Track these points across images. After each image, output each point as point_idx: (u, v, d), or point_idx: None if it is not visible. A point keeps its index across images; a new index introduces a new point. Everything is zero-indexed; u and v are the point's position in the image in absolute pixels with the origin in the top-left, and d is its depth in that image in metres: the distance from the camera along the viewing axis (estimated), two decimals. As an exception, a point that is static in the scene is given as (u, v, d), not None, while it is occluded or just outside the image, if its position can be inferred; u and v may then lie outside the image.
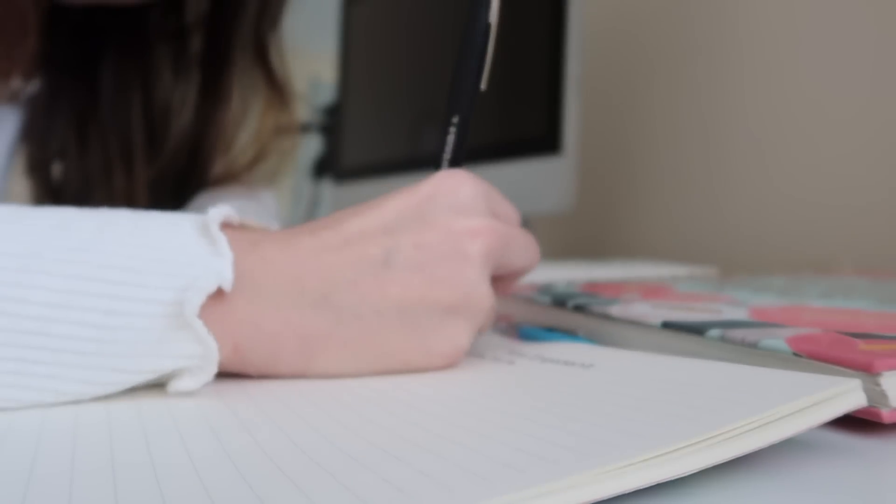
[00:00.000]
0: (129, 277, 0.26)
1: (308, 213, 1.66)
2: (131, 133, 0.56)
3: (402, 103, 0.96)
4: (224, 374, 0.28)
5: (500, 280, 0.33)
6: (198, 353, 0.26)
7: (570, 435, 0.19)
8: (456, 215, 0.29)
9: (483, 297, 0.29)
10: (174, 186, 0.57)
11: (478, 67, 0.33)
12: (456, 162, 0.33)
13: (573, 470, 0.16)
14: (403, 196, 0.30)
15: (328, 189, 1.28)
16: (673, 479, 0.17)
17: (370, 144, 1.02)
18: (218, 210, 0.28)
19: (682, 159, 0.84)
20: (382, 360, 0.29)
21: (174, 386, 0.26)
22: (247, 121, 0.59)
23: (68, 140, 0.56)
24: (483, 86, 0.33)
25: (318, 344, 0.28)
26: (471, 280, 0.29)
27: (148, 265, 0.26)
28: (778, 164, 0.74)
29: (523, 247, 0.32)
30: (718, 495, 0.18)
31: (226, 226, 0.29)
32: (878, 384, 0.23)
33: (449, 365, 0.30)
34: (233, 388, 0.27)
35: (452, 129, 0.33)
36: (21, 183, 0.57)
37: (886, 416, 0.22)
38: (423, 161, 0.89)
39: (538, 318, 0.41)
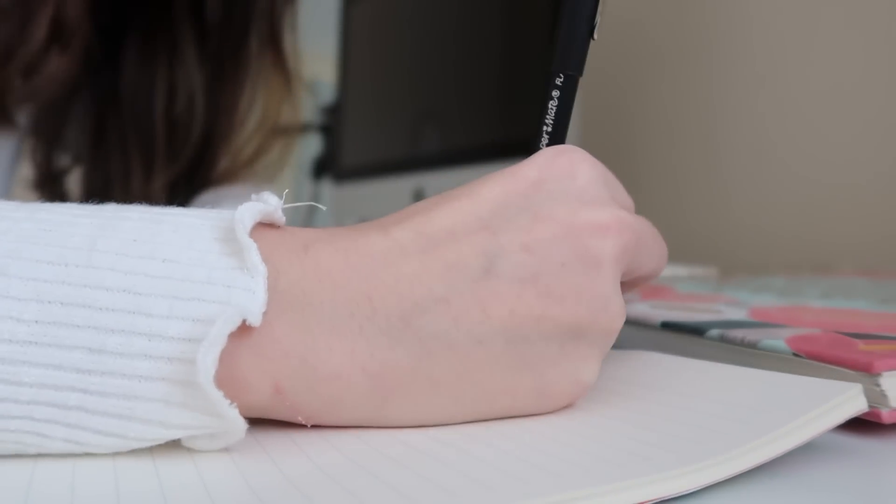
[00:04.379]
0: (124, 302, 0.19)
1: (307, 214, 1.66)
2: (154, 133, 0.53)
3: (402, 103, 0.96)
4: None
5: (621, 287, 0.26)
6: (216, 426, 0.20)
7: (573, 450, 0.19)
8: (576, 205, 0.22)
9: (616, 315, 0.22)
10: (184, 181, 0.56)
11: (591, 11, 0.27)
12: (557, 135, 0.27)
13: (576, 485, 0.16)
14: (501, 181, 0.23)
15: (328, 189, 1.28)
16: (683, 494, 0.17)
17: (370, 144, 1.02)
18: (251, 204, 0.21)
19: (682, 159, 0.84)
20: (481, 405, 0.22)
21: (188, 443, 0.20)
22: (253, 109, 0.58)
23: (82, 143, 0.55)
24: (595, 35, 0.27)
25: (395, 384, 0.21)
26: (602, 293, 0.22)
27: (151, 285, 0.19)
28: (778, 164, 0.74)
29: (654, 245, 0.25)
30: (721, 495, 0.18)
31: (265, 225, 0.22)
32: (877, 384, 0.23)
33: (566, 406, 0.23)
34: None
35: (556, 93, 0.26)
36: (24, 195, 0.56)
37: (886, 416, 0.22)
38: (424, 161, 0.89)
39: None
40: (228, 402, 0.19)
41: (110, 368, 0.19)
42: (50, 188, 0.54)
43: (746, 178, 0.77)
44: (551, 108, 0.26)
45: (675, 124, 0.85)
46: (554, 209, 0.22)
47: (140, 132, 0.54)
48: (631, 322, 0.34)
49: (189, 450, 0.20)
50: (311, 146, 1.67)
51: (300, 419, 0.21)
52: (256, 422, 0.21)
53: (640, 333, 0.33)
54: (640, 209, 0.26)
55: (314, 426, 0.22)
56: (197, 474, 0.19)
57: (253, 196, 0.22)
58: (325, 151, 1.54)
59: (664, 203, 0.86)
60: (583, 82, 0.27)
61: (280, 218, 0.22)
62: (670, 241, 0.27)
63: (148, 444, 0.20)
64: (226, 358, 0.19)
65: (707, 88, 0.82)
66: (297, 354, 0.20)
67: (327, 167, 1.42)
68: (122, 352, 0.19)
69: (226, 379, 0.19)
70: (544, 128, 0.26)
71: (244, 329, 0.20)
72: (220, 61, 0.56)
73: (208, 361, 0.18)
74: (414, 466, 0.18)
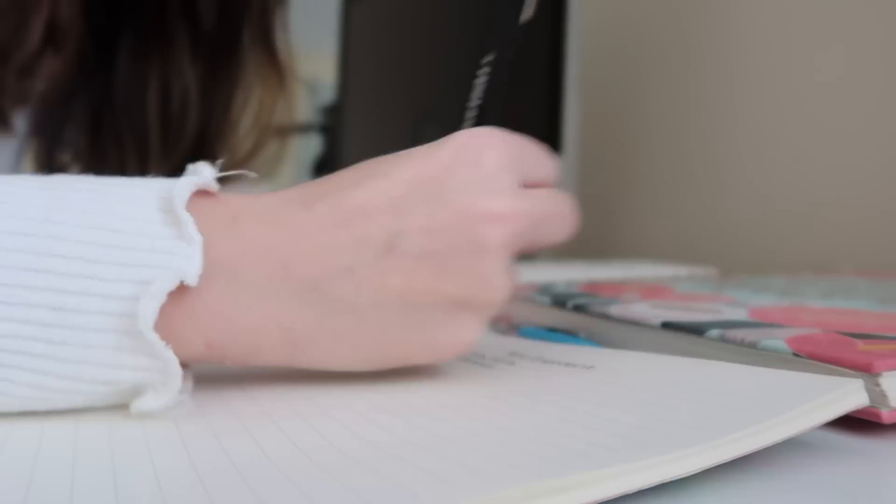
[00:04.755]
0: (79, 268, 0.22)
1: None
2: (148, 130, 0.54)
3: (402, 103, 0.96)
4: (218, 383, 0.28)
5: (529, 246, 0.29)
6: (156, 366, 0.23)
7: (570, 438, 0.19)
8: (476, 194, 0.25)
9: (497, 290, 0.26)
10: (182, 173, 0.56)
11: None
12: (485, 114, 0.28)
13: (573, 470, 0.16)
14: (416, 163, 0.26)
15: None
16: (673, 480, 0.17)
17: (370, 144, 1.02)
18: (187, 179, 0.24)
19: (682, 159, 0.84)
20: (379, 355, 0.26)
21: (136, 406, 0.23)
22: (248, 106, 0.58)
23: (80, 141, 0.56)
24: (527, 14, 0.28)
25: (303, 337, 0.25)
26: (486, 273, 0.25)
27: (102, 253, 0.23)
28: (778, 164, 0.74)
29: (557, 220, 0.28)
30: (718, 495, 0.18)
31: (203, 193, 0.25)
32: (877, 384, 0.23)
33: (452, 357, 0.27)
34: (227, 385, 0.27)
35: (485, 71, 0.27)
36: None
37: (886, 416, 0.23)
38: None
39: (538, 318, 0.41)
40: (164, 343, 0.23)
41: (70, 323, 0.22)
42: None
43: (747, 179, 0.77)
44: (477, 86, 0.27)
45: (675, 124, 0.85)
46: (456, 196, 0.25)
47: (134, 129, 0.55)
48: (631, 322, 0.34)
49: (146, 442, 0.21)
50: (311, 146, 1.66)
51: (227, 363, 0.25)
52: (210, 409, 0.24)
53: (640, 333, 0.33)
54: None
55: (267, 413, 0.24)
56: (150, 459, 0.20)
57: (189, 168, 0.25)
58: (325, 151, 1.54)
59: (664, 203, 0.86)
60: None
61: (214, 186, 0.25)
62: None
63: (104, 387, 0.23)
64: (166, 319, 0.23)
65: (707, 88, 0.82)
66: (223, 315, 0.24)
67: (327, 167, 1.42)
68: (79, 309, 0.22)
69: (167, 336, 0.23)
70: (470, 104, 0.28)
71: (181, 294, 0.23)
72: (214, 59, 0.56)
73: (147, 312, 0.22)
74: (368, 461, 0.18)
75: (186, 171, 0.25)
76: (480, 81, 0.28)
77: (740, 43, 0.78)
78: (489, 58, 0.27)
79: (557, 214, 0.28)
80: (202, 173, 0.25)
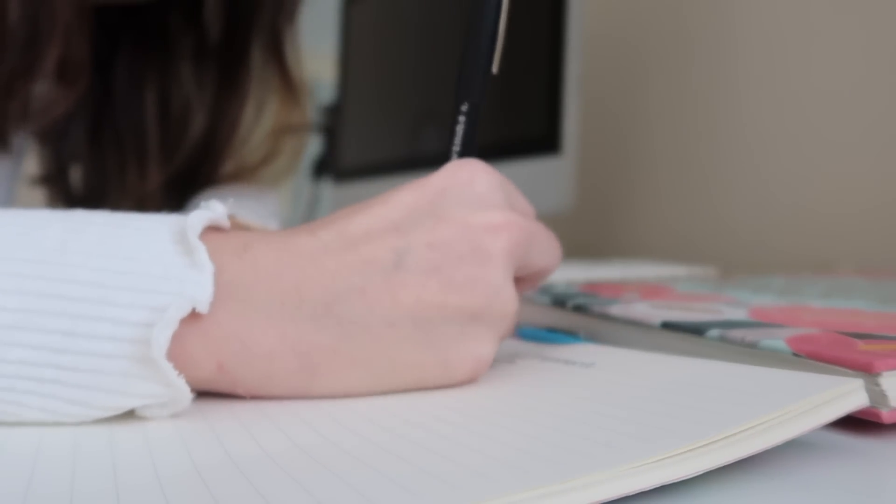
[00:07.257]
0: (93, 294, 0.22)
1: (307, 213, 1.66)
2: (146, 133, 0.55)
3: (402, 103, 0.96)
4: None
5: (520, 282, 0.29)
6: (167, 395, 0.23)
7: (572, 437, 0.19)
8: (473, 209, 0.26)
9: (507, 301, 0.26)
10: (184, 183, 0.57)
11: (489, 49, 0.30)
12: (466, 154, 0.30)
13: (576, 472, 0.16)
14: (412, 190, 0.27)
15: (328, 189, 1.28)
16: (676, 481, 0.17)
17: (370, 144, 1.02)
18: (200, 212, 0.25)
19: (681, 159, 0.84)
20: (395, 378, 0.26)
21: (142, 411, 0.24)
22: (260, 119, 0.59)
23: (81, 145, 0.56)
24: (495, 69, 0.30)
25: (320, 361, 0.25)
26: (494, 282, 0.26)
27: (115, 279, 0.23)
28: (778, 164, 0.74)
29: (546, 244, 0.29)
30: (719, 495, 0.18)
31: (213, 228, 0.26)
32: (877, 384, 0.23)
33: (470, 380, 0.27)
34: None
35: (462, 118, 0.30)
36: (26, 193, 0.57)
37: (886, 416, 0.22)
38: (424, 161, 0.89)
39: (538, 318, 0.41)
40: (177, 372, 0.22)
41: (81, 349, 0.22)
42: (56, 184, 0.57)
43: (747, 178, 0.77)
44: (458, 132, 0.30)
45: (674, 124, 0.85)
46: (454, 212, 0.26)
47: (133, 132, 0.56)
48: (631, 322, 0.34)
49: (146, 443, 0.21)
50: (311, 146, 1.66)
51: (240, 391, 0.25)
52: (210, 410, 0.24)
53: (640, 333, 0.33)
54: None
55: (267, 414, 0.24)
56: (150, 459, 0.20)
57: (202, 204, 0.26)
58: (325, 151, 1.54)
59: (664, 203, 0.86)
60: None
61: (225, 223, 0.26)
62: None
63: (110, 413, 0.23)
64: (178, 340, 0.23)
65: (707, 88, 0.82)
66: (236, 337, 0.24)
67: (327, 167, 1.42)
68: (91, 335, 0.22)
69: (178, 357, 0.23)
70: (454, 147, 0.30)
71: (193, 316, 0.23)
72: (221, 70, 0.57)
73: (161, 340, 0.22)
74: (369, 460, 0.19)
75: (199, 206, 0.26)
76: (460, 127, 0.30)
77: (740, 42, 0.78)
78: (464, 108, 0.30)
79: (545, 233, 0.29)
80: (214, 209, 0.25)
